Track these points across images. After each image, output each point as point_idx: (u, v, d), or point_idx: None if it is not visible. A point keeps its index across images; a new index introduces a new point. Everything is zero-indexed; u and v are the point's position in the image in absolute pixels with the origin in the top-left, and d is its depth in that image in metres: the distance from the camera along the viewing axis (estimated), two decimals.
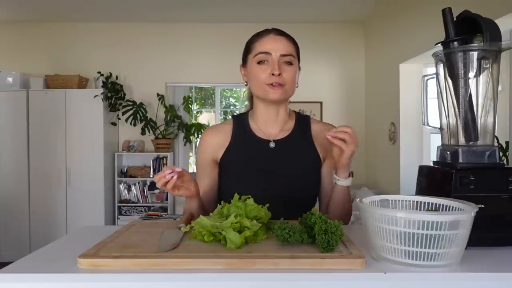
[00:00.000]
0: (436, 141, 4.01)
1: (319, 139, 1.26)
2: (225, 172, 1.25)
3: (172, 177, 1.01)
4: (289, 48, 1.18)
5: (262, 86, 1.18)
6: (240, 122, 1.28)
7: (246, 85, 1.27)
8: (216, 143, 1.26)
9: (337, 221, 0.81)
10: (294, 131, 1.26)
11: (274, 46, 1.16)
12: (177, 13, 4.63)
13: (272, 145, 1.23)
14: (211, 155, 1.26)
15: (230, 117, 1.38)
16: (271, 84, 1.16)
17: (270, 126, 1.25)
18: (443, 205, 0.86)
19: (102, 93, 4.48)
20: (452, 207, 0.84)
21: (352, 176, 1.16)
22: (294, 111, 1.32)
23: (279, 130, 1.25)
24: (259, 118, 1.26)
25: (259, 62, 1.18)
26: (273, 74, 1.15)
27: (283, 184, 1.20)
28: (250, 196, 0.99)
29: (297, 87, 1.24)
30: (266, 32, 1.20)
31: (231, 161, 1.24)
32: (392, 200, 0.90)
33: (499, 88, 1.02)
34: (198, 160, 1.30)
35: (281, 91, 1.17)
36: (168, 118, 4.75)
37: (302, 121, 1.29)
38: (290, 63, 1.17)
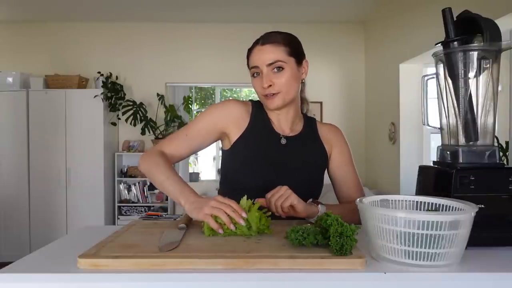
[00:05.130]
0: (436, 141, 4.01)
1: (325, 136, 1.33)
2: (236, 156, 1.25)
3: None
4: (275, 54, 1.17)
5: (260, 96, 1.24)
6: (259, 109, 1.29)
7: None
8: (237, 116, 1.25)
9: (354, 225, 0.80)
10: (303, 131, 1.31)
11: (260, 58, 1.19)
12: (177, 13, 4.63)
13: (283, 141, 1.27)
14: (224, 123, 1.24)
15: None
16: (266, 95, 1.20)
17: (282, 122, 1.29)
18: (443, 205, 0.86)
19: (102, 93, 4.48)
20: (452, 207, 0.84)
21: (317, 204, 1.14)
22: (302, 113, 1.36)
23: (290, 129, 1.29)
24: (273, 113, 1.28)
25: (253, 75, 1.23)
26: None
27: (290, 177, 1.22)
28: (254, 200, 1.01)
29: (303, 81, 1.27)
30: (255, 43, 1.22)
31: (244, 147, 1.24)
32: (392, 200, 0.90)
33: (499, 88, 1.02)
34: (202, 119, 1.26)
35: (276, 99, 1.20)
36: (168, 118, 4.75)
37: (309, 123, 1.35)
38: (280, 68, 1.18)
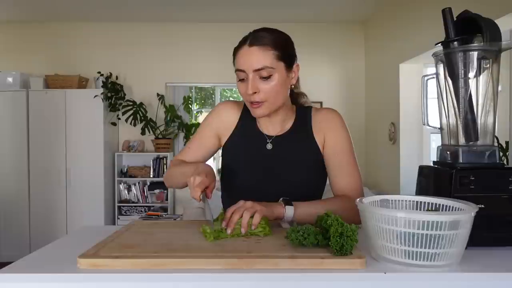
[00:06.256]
0: (436, 141, 4.01)
1: (318, 126, 1.23)
2: (226, 158, 1.26)
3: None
4: (263, 59, 1.08)
5: (246, 102, 1.17)
6: (248, 111, 1.21)
7: None
8: (225, 118, 1.26)
9: (354, 225, 0.80)
10: (293, 127, 1.23)
11: (246, 62, 1.09)
12: (177, 13, 4.63)
13: (269, 146, 1.22)
14: (216, 128, 1.26)
15: None
16: (252, 103, 1.13)
17: (270, 125, 1.23)
18: (443, 205, 0.86)
19: (102, 93, 4.48)
20: (452, 207, 0.84)
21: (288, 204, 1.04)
22: (295, 105, 1.28)
23: (279, 129, 1.23)
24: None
25: (238, 78, 1.14)
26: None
27: (278, 181, 1.19)
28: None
29: (292, 86, 1.18)
30: (242, 42, 1.12)
31: (231, 150, 1.25)
32: (392, 200, 0.90)
33: (499, 88, 1.02)
34: (200, 129, 1.28)
35: (262, 108, 1.12)
36: (168, 118, 4.75)
37: (303, 115, 1.25)
38: (267, 77, 1.09)
